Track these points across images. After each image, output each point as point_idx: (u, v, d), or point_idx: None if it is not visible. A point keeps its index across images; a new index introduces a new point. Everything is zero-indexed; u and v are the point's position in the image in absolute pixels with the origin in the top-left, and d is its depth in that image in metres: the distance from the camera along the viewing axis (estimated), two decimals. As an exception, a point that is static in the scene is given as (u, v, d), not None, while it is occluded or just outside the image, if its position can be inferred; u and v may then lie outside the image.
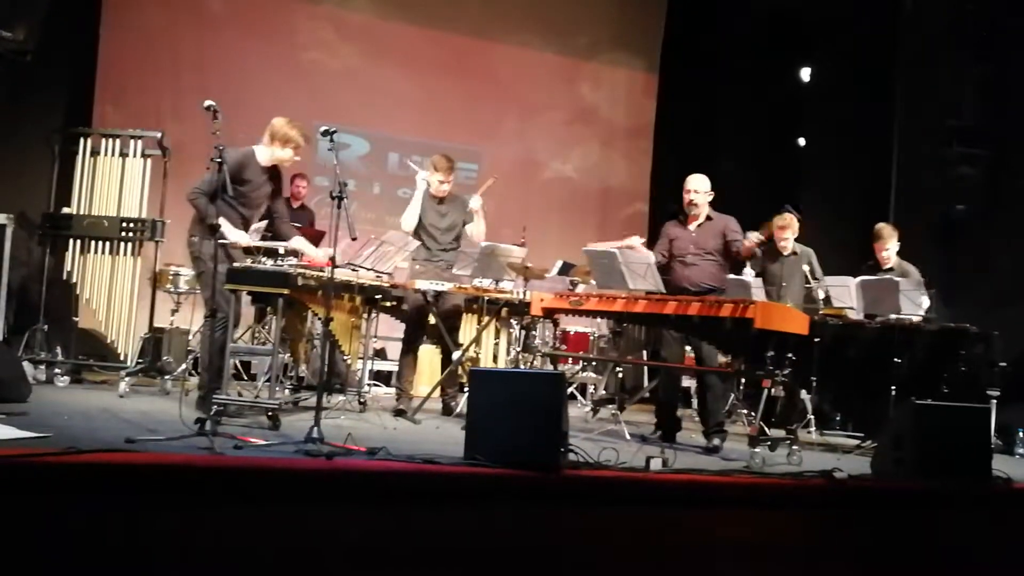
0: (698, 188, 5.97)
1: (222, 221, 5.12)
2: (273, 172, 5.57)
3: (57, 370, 6.31)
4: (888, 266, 6.74)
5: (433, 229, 6.34)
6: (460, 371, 6.25)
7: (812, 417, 6.92)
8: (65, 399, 5.47)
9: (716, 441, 5.68)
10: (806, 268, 6.66)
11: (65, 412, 4.81)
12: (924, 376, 6.05)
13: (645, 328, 6.00)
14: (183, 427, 4.05)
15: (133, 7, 8.54)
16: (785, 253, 6.84)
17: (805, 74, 9.90)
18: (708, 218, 6.00)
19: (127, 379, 5.99)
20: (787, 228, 6.82)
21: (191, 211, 5.36)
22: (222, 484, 3.26)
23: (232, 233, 5.21)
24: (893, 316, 6.21)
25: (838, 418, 7.35)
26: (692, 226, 6.01)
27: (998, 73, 7.95)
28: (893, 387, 5.89)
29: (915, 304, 6.25)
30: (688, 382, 7.36)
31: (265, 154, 5.47)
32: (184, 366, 6.76)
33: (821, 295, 6.63)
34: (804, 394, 6.62)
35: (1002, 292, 7.46)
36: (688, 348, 6.19)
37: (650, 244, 9.71)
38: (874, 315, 6.33)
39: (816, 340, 5.78)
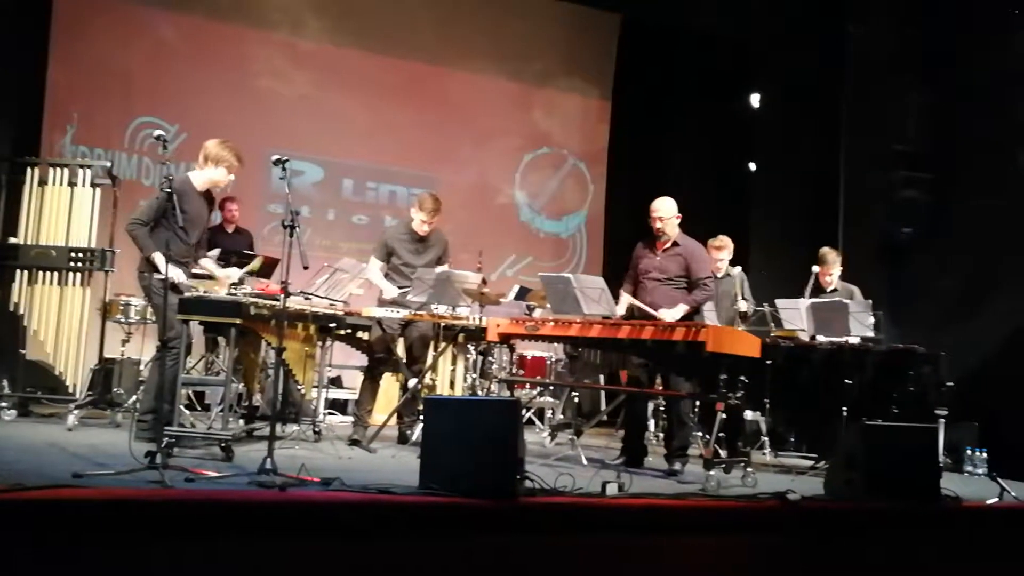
0: (663, 213, 5.92)
1: (158, 257, 5.04)
2: (208, 196, 5.57)
3: (3, 403, 6.17)
4: (831, 288, 6.88)
5: (407, 269, 6.25)
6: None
7: (766, 438, 6.99)
8: (11, 433, 5.35)
9: (677, 465, 5.72)
10: (736, 290, 6.83)
11: (11, 447, 4.71)
12: (874, 396, 6.16)
13: (600, 352, 6.01)
14: (133, 460, 3.98)
15: (83, 35, 8.43)
16: (719, 275, 6.96)
17: (754, 101, 10.07)
18: (675, 243, 5.97)
19: (76, 412, 5.88)
20: (723, 249, 7.06)
21: None
22: (173, 518, 3.21)
23: (169, 270, 4.85)
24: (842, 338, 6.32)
25: (792, 439, 7.43)
26: (659, 251, 5.99)
27: (942, 98, 8.15)
28: (844, 408, 5.96)
29: (863, 325, 6.36)
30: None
31: (200, 178, 5.45)
32: (135, 397, 6.63)
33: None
34: (759, 415, 6.69)
35: (947, 313, 7.61)
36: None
37: (606, 267, 9.79)
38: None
39: (768, 362, 5.84)
